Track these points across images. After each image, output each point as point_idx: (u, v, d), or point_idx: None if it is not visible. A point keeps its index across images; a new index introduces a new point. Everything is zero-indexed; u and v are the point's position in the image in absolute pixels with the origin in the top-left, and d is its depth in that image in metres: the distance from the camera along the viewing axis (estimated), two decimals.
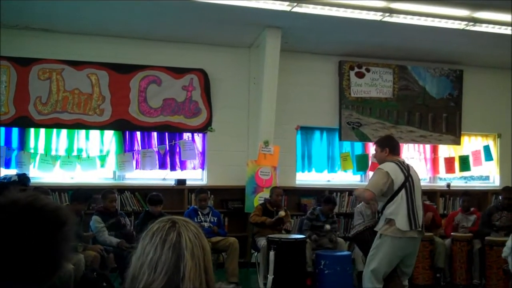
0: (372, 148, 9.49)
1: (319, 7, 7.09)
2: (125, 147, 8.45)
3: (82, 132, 8.32)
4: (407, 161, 5.53)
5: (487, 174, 10.40)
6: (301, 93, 9.17)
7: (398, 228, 5.04)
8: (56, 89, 8.09)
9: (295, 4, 7.01)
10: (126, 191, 8.27)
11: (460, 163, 9.54)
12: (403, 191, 5.10)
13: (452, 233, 7.89)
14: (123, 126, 8.39)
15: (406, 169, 5.22)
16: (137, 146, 8.53)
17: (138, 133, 8.56)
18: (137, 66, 8.44)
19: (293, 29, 8.05)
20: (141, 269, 1.60)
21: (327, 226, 7.60)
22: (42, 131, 8.17)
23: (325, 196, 8.04)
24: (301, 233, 7.60)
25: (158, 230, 1.65)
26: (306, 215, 7.94)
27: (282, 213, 7.46)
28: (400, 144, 6.27)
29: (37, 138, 8.15)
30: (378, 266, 5.13)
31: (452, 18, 7.52)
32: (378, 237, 5.17)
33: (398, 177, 5.12)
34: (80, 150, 8.27)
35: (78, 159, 8.13)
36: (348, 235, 8.80)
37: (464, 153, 9.70)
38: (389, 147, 5.39)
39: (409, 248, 5.19)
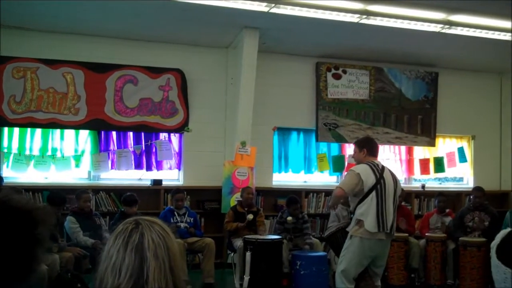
0: (348, 149, 9.57)
1: (297, 8, 7.11)
2: (101, 147, 8.37)
3: (57, 131, 8.22)
4: (384, 163, 5.57)
5: (461, 176, 10.54)
6: (278, 94, 9.18)
7: (367, 229, 5.11)
8: (30, 88, 7.98)
9: (273, 5, 7.01)
10: (101, 192, 8.18)
11: (434, 164, 9.64)
12: (373, 193, 5.16)
13: (426, 234, 7.97)
14: (99, 126, 8.31)
15: (379, 171, 5.26)
16: (113, 146, 8.46)
17: (114, 133, 8.49)
18: (113, 66, 8.36)
19: (271, 30, 8.05)
20: (106, 273, 1.57)
21: (289, 218, 7.60)
22: (16, 130, 8.05)
23: (288, 197, 8.03)
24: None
25: (121, 232, 1.61)
26: (276, 219, 7.96)
27: (250, 216, 7.44)
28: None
29: (10, 137, 8.02)
30: (348, 266, 5.19)
31: (428, 21, 7.59)
32: (349, 238, 5.24)
33: (369, 179, 5.18)
34: (54, 150, 8.16)
35: (53, 159, 8.03)
36: (323, 236, 8.85)
37: (439, 155, 9.80)
38: (367, 148, 5.45)
39: (378, 249, 5.25)
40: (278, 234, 7.56)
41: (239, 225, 7.45)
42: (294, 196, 8.06)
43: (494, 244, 1.81)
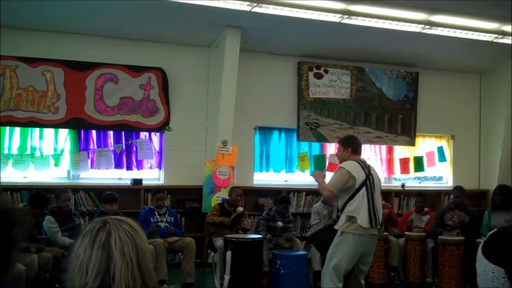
0: (329, 149, 9.61)
1: (279, 8, 7.11)
2: (80, 146, 8.30)
3: (36, 130, 8.12)
4: (367, 162, 5.59)
5: (440, 175, 10.63)
6: (260, 93, 9.18)
7: (360, 225, 5.13)
8: (9, 86, 7.88)
9: (255, 4, 7.01)
10: (80, 191, 8.11)
11: (414, 163, 9.70)
12: (363, 189, 5.19)
13: (406, 233, 8.02)
14: (78, 125, 8.24)
15: (367, 168, 5.32)
16: (93, 145, 8.39)
17: (94, 132, 8.42)
18: (93, 64, 8.29)
19: (253, 29, 8.05)
20: (74, 271, 1.56)
21: (279, 223, 7.64)
22: None
23: (280, 196, 8.06)
24: (258, 233, 7.61)
25: (88, 231, 1.61)
26: (262, 215, 7.96)
27: (240, 208, 7.44)
28: None
29: None
30: (339, 263, 5.17)
31: (409, 21, 7.64)
32: (339, 235, 5.21)
33: (360, 175, 5.22)
34: (33, 149, 8.07)
35: (32, 158, 7.94)
36: (305, 235, 8.87)
37: (419, 154, 9.87)
38: (352, 147, 5.50)
39: (369, 245, 5.28)
40: (261, 231, 7.58)
41: (225, 220, 7.42)
42: (286, 196, 8.09)
43: (482, 241, 1.82)
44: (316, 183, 5.69)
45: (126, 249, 1.56)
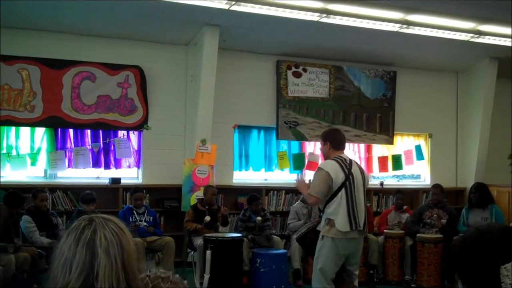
0: (308, 147, 9.64)
1: (257, 6, 7.11)
2: (57, 144, 8.20)
3: (12, 129, 8.01)
4: (350, 157, 5.29)
5: (418, 173, 10.71)
6: (239, 92, 9.16)
7: (338, 229, 4.93)
8: None
9: (233, 2, 6.99)
10: (58, 190, 8.03)
11: (393, 162, 9.76)
12: (342, 191, 4.97)
13: (385, 231, 8.08)
14: (55, 123, 8.14)
15: (347, 167, 5.06)
16: (70, 144, 8.30)
17: (71, 131, 8.33)
18: (70, 62, 8.21)
19: (232, 27, 8.03)
20: (57, 269, 1.54)
21: (258, 218, 7.62)
22: None
23: (248, 196, 8.04)
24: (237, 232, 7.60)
25: (73, 229, 1.60)
26: (239, 216, 7.95)
27: (207, 218, 7.40)
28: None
29: None
30: (324, 267, 5.02)
31: (386, 21, 7.70)
32: (321, 239, 5.05)
33: (339, 176, 4.98)
34: (9, 148, 7.95)
35: (8, 157, 7.82)
36: (285, 234, 8.89)
37: (397, 153, 9.94)
38: (331, 141, 5.18)
39: (351, 247, 5.08)
40: (240, 232, 7.56)
41: (198, 227, 7.41)
42: (255, 193, 8.07)
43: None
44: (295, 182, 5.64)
45: (111, 249, 1.54)
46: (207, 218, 7.40)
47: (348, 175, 5.03)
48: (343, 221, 4.95)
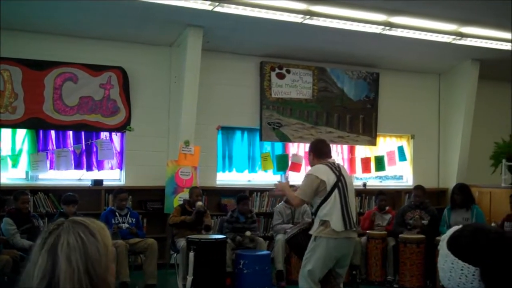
0: (292, 148, 9.66)
1: (240, 7, 7.10)
2: (39, 146, 8.13)
3: None
4: (337, 162, 5.45)
5: (401, 174, 10.78)
6: (222, 93, 9.15)
7: (333, 229, 4.99)
8: None
9: (217, 3, 6.98)
10: (39, 192, 7.95)
11: (375, 163, 9.80)
12: (336, 191, 5.05)
13: (367, 231, 8.11)
14: (37, 125, 8.07)
15: (337, 169, 5.18)
16: (52, 145, 8.23)
17: (53, 132, 8.26)
18: (52, 63, 8.14)
19: (215, 28, 8.02)
20: (24, 274, 1.53)
21: (248, 233, 7.61)
22: None
23: (238, 195, 8.04)
24: (221, 234, 7.58)
25: (43, 233, 1.58)
26: (226, 217, 7.94)
27: (199, 203, 7.38)
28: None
29: None
30: (313, 268, 5.05)
31: (369, 22, 7.73)
32: (313, 240, 5.09)
33: (330, 178, 5.07)
34: None
35: None
36: (268, 235, 8.90)
37: (380, 154, 9.98)
38: (315, 152, 5.35)
39: (344, 248, 5.14)
40: (225, 233, 7.55)
41: (186, 218, 7.36)
42: (244, 193, 8.07)
43: (446, 236, 1.82)
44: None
45: (73, 255, 1.51)
46: (199, 203, 7.37)
47: (339, 176, 5.14)
48: (338, 220, 5.02)
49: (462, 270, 1.70)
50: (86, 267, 1.51)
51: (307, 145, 6.05)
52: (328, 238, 5.02)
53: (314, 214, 5.21)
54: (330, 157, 5.41)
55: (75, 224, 1.58)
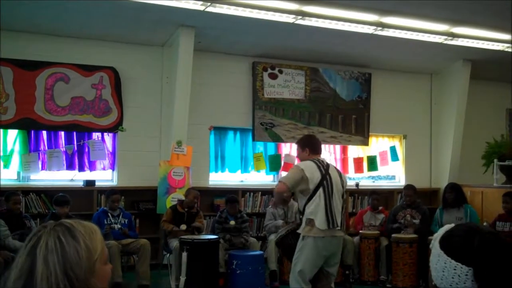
0: (284, 149, 9.65)
1: (232, 7, 7.09)
2: (30, 147, 8.09)
3: None
4: (326, 160, 5.45)
5: (393, 174, 10.80)
6: (215, 93, 9.14)
7: (318, 227, 5.01)
8: None
9: (208, 4, 6.97)
10: (31, 193, 7.92)
11: (368, 163, 9.83)
12: (320, 190, 5.06)
13: (360, 231, 8.13)
14: (28, 125, 8.03)
15: (324, 168, 5.17)
16: (43, 146, 8.19)
17: (44, 133, 8.22)
18: (44, 63, 8.10)
19: (207, 29, 8.01)
20: (6, 274, 1.56)
21: (232, 222, 7.62)
22: None
23: (226, 197, 8.04)
24: (214, 234, 7.58)
25: (30, 235, 1.60)
26: (216, 218, 7.93)
27: (183, 227, 7.39)
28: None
29: None
30: (303, 268, 5.06)
31: (361, 23, 7.74)
32: (301, 240, 5.10)
33: (315, 175, 5.08)
34: None
35: None
36: (261, 235, 8.90)
37: (372, 154, 10.00)
38: (309, 147, 5.37)
39: (332, 247, 5.15)
40: (217, 234, 7.54)
41: (173, 229, 7.38)
42: (233, 195, 8.07)
43: (438, 235, 1.82)
44: (272, 183, 5.66)
45: (51, 258, 1.52)
46: (183, 227, 7.38)
47: (325, 175, 5.13)
48: (322, 219, 5.03)
49: (455, 269, 1.69)
50: (64, 269, 1.52)
51: None
52: (315, 237, 5.04)
53: (302, 213, 5.21)
54: (321, 153, 5.47)
55: (57, 226, 1.60)
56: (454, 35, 8.32)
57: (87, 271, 1.56)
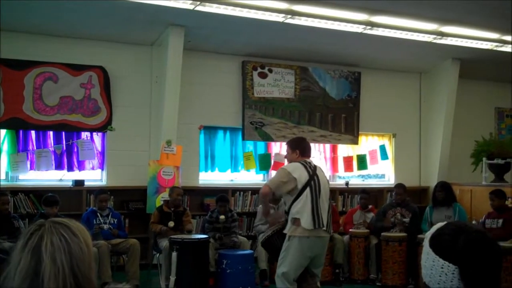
0: (274, 148, 9.65)
1: (222, 6, 7.08)
2: (19, 146, 8.04)
3: None
4: (314, 162, 5.49)
5: (383, 173, 10.83)
6: (205, 92, 9.12)
7: (304, 227, 5.03)
8: None
9: (198, 3, 6.95)
10: (20, 193, 7.86)
11: (358, 162, 9.84)
12: (307, 190, 5.09)
13: (350, 230, 8.15)
14: (17, 125, 7.98)
15: (312, 169, 5.22)
16: (32, 145, 8.14)
17: (33, 132, 8.17)
18: (32, 62, 8.05)
19: (197, 28, 7.99)
20: (5, 275, 1.53)
21: (222, 217, 7.60)
22: None
23: (217, 196, 8.03)
24: (203, 234, 7.57)
25: (24, 234, 1.58)
26: (206, 217, 7.92)
27: (171, 224, 7.37)
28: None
29: None
30: (288, 268, 5.07)
31: (351, 22, 7.75)
32: (287, 240, 5.12)
33: (302, 176, 5.11)
34: None
35: None
36: (251, 234, 8.89)
37: (362, 152, 10.02)
38: (300, 149, 5.39)
39: (317, 247, 5.17)
40: (207, 233, 7.53)
41: (162, 229, 7.36)
42: (224, 194, 8.07)
43: (429, 233, 1.84)
44: (262, 182, 5.67)
45: (58, 255, 1.51)
46: (171, 223, 7.36)
47: (313, 175, 5.19)
48: (308, 219, 5.05)
49: (442, 268, 1.71)
50: (71, 266, 1.52)
51: None
52: (300, 237, 5.06)
53: (287, 213, 5.23)
54: (310, 156, 5.51)
55: (57, 224, 1.59)
56: (443, 34, 8.35)
57: (89, 267, 1.57)
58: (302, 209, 5.07)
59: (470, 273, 1.66)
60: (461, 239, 1.70)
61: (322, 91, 9.89)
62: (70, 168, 8.34)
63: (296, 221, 5.08)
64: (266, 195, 5.25)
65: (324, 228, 5.15)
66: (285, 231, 5.19)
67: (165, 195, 8.05)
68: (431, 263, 1.75)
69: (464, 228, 1.74)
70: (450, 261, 1.69)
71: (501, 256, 1.71)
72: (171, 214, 7.51)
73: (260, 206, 8.12)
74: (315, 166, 5.33)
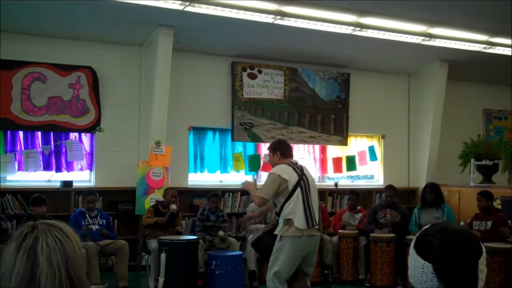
0: (264, 149, 9.64)
1: (211, 7, 7.08)
2: (7, 147, 7.98)
3: None
4: (300, 163, 5.53)
5: (372, 174, 10.86)
6: (194, 93, 9.11)
7: (297, 227, 5.04)
8: None
9: (187, 3, 6.95)
10: (7, 194, 7.80)
11: (347, 163, 9.87)
12: (298, 190, 5.12)
13: (339, 231, 8.16)
14: (4, 126, 7.92)
15: (299, 169, 5.26)
16: (20, 146, 8.09)
17: (21, 133, 8.12)
18: (20, 63, 8.00)
19: (186, 28, 7.98)
20: None
21: (221, 233, 7.58)
22: None
23: (210, 193, 8.02)
24: (193, 234, 7.55)
25: (16, 236, 1.55)
26: (197, 216, 7.91)
27: (173, 206, 7.35)
28: (291, 144, 6.38)
29: None
30: (280, 268, 5.08)
31: (340, 23, 7.78)
32: (279, 240, 5.13)
33: (292, 177, 5.15)
34: None
35: None
36: (240, 235, 8.89)
37: (351, 154, 10.05)
38: (280, 151, 5.42)
39: (309, 247, 5.19)
40: (197, 232, 7.52)
41: (159, 219, 7.32)
42: (215, 192, 8.05)
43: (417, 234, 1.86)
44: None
45: (54, 257, 1.50)
46: (173, 206, 7.34)
47: (301, 175, 5.23)
48: (301, 219, 5.07)
49: (423, 268, 1.72)
50: (66, 268, 1.51)
51: None
52: (292, 237, 5.08)
53: (278, 214, 5.25)
54: (292, 157, 5.53)
55: (50, 226, 1.58)
56: (431, 36, 8.40)
57: (82, 269, 1.57)
58: (294, 209, 5.09)
59: (444, 273, 1.68)
60: (436, 239, 1.71)
61: (312, 92, 9.91)
62: (59, 169, 8.30)
63: (289, 222, 5.09)
64: (263, 205, 5.33)
65: (317, 227, 5.19)
66: (276, 232, 5.20)
67: (154, 196, 8.02)
68: (414, 263, 1.77)
69: (446, 229, 1.75)
70: (428, 260, 1.71)
71: (477, 257, 1.71)
72: (165, 214, 7.49)
73: (251, 205, 8.12)
74: (301, 167, 5.36)
